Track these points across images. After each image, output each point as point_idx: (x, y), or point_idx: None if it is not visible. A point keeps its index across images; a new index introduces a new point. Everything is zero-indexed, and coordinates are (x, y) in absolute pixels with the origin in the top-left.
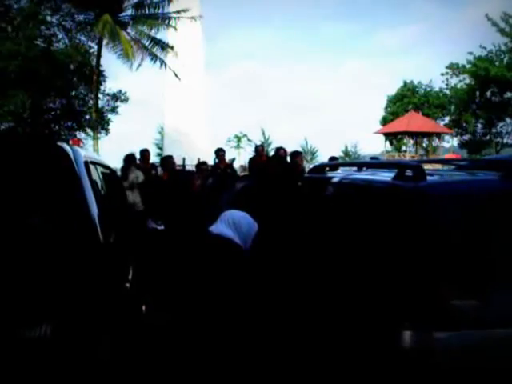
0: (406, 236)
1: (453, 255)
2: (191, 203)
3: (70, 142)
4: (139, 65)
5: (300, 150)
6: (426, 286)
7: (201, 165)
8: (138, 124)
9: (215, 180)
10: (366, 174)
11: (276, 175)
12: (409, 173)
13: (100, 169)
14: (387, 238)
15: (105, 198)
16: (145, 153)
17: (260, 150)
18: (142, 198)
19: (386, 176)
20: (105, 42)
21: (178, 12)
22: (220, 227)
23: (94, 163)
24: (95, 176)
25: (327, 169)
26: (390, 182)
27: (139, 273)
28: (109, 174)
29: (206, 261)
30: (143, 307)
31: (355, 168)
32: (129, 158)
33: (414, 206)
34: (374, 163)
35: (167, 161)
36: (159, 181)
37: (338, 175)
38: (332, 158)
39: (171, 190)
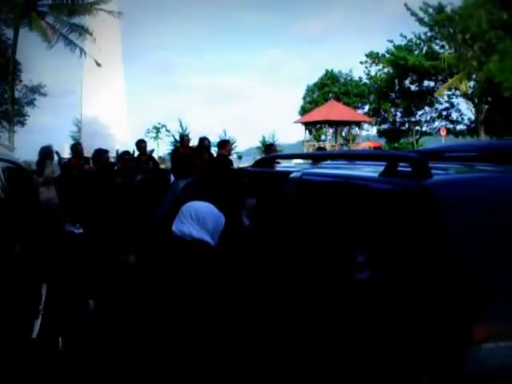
0: (416, 261)
1: (482, 283)
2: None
3: None
4: (52, 46)
5: (218, 140)
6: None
7: (124, 155)
8: (54, 116)
9: (145, 178)
10: (329, 168)
11: (205, 167)
12: (403, 167)
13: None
14: (384, 259)
15: (7, 202)
16: (77, 147)
17: (185, 141)
18: (58, 193)
19: (366, 171)
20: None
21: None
22: (187, 226)
23: None
24: None
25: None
26: (381, 180)
27: (55, 293)
28: (15, 170)
29: (177, 265)
30: (59, 340)
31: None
32: (44, 152)
33: (423, 215)
34: (336, 154)
35: (102, 156)
36: (88, 175)
37: (294, 170)
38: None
39: (95, 187)
